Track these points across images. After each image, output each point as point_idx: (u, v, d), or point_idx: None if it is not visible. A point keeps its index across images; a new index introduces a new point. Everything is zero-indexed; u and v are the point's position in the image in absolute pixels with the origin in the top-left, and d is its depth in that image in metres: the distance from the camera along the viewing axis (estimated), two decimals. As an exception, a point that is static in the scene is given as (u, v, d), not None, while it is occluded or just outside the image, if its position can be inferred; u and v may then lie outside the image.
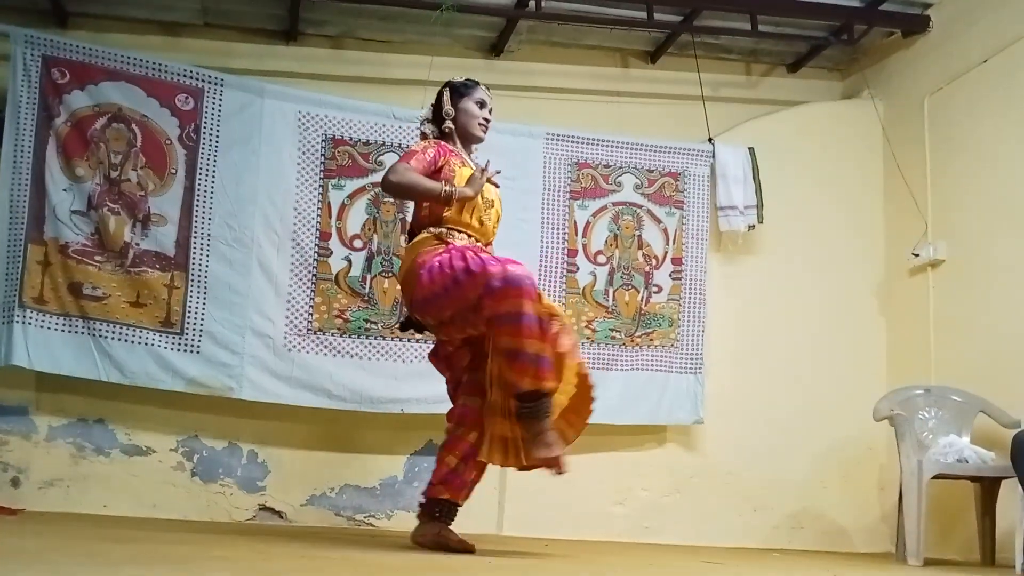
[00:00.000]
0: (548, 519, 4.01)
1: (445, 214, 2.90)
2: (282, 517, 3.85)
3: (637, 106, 4.70)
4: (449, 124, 2.99)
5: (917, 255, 4.32)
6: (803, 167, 4.63)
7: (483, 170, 2.93)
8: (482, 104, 3.03)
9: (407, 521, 3.92)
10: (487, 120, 3.04)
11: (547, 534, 3.87)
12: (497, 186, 3.05)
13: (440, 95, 3.04)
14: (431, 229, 2.90)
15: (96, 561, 2.11)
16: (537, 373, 2.60)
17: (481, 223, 2.96)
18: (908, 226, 4.41)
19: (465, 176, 2.89)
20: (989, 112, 4.05)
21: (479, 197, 2.91)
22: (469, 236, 2.92)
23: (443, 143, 2.97)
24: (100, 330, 3.70)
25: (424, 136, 3.03)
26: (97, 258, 3.74)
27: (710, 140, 4.46)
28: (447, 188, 2.83)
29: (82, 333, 3.69)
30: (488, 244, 3.02)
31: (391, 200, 4.01)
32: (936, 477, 3.57)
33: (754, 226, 4.43)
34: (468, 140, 3.05)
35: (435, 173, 2.87)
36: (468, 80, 3.06)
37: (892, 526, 4.01)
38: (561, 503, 4.08)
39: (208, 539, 2.81)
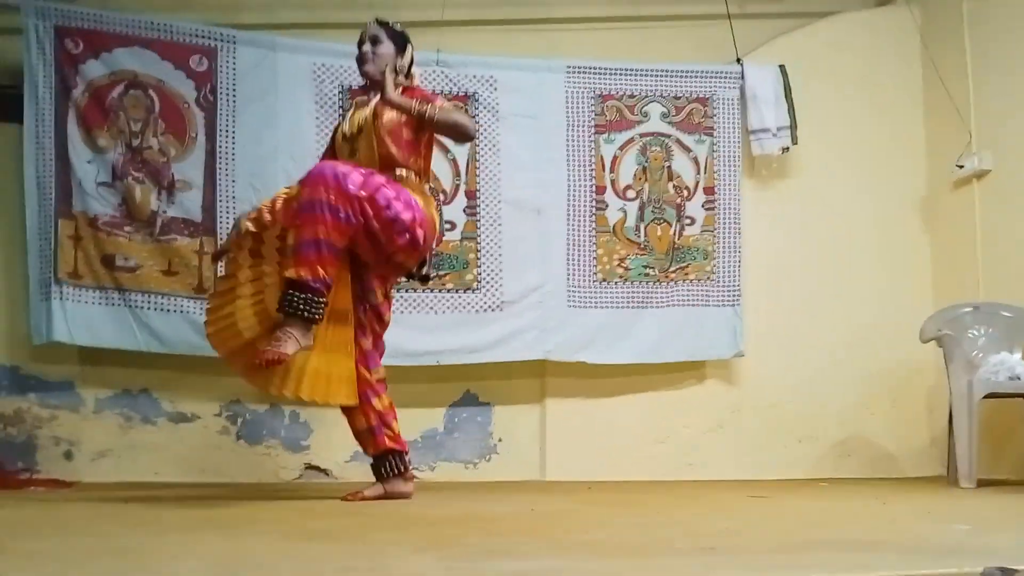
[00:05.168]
0: (590, 462, 4.01)
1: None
2: (328, 474, 3.91)
3: (660, 30, 4.50)
4: None
5: (961, 167, 4.13)
6: (837, 82, 4.43)
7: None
8: (359, 43, 3.01)
9: (450, 472, 3.99)
10: (360, 57, 2.99)
11: (590, 477, 3.87)
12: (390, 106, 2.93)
13: None
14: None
15: (145, 529, 2.16)
16: None
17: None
18: (951, 137, 4.22)
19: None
20: (1035, 10, 3.82)
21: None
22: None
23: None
24: (136, 301, 3.73)
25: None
26: (127, 228, 3.75)
27: (738, 61, 4.28)
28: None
29: (118, 305, 3.72)
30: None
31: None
32: (987, 396, 3.48)
33: (788, 148, 4.26)
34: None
35: None
36: None
37: (942, 449, 3.94)
38: (603, 445, 4.07)
39: (255, 502, 2.86)
